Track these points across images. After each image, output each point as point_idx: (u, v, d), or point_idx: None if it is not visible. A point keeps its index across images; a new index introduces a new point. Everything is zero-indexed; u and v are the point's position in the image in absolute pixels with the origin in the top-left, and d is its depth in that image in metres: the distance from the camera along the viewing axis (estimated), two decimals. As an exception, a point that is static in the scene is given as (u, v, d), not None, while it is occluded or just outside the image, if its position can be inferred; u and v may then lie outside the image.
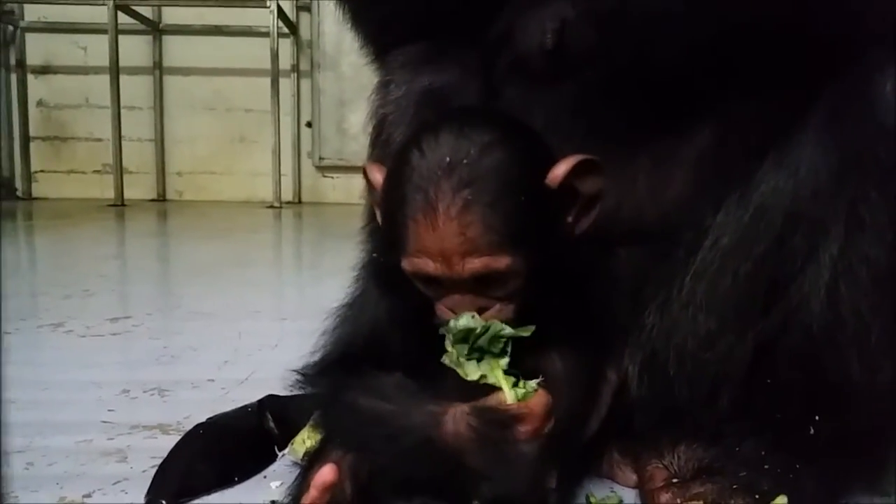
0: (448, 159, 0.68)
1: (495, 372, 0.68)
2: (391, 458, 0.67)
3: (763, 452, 0.74)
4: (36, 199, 5.19)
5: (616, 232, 0.84)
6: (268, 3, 4.58)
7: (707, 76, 0.77)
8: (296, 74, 5.21)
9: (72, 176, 5.27)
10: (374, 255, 0.80)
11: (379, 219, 0.77)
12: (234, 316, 1.73)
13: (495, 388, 0.67)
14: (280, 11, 4.68)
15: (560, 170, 0.71)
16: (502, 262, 0.68)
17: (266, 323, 1.69)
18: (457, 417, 0.66)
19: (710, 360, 0.77)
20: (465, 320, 0.69)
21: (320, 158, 5.12)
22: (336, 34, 4.77)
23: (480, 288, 0.70)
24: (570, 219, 0.74)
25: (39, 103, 5.26)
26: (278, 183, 4.76)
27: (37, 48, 5.20)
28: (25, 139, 5.22)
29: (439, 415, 0.66)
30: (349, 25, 0.97)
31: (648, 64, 0.78)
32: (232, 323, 1.65)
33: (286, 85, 5.06)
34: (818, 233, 0.72)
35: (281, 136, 4.80)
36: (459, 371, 0.68)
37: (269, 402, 0.95)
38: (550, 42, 0.82)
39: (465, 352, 0.68)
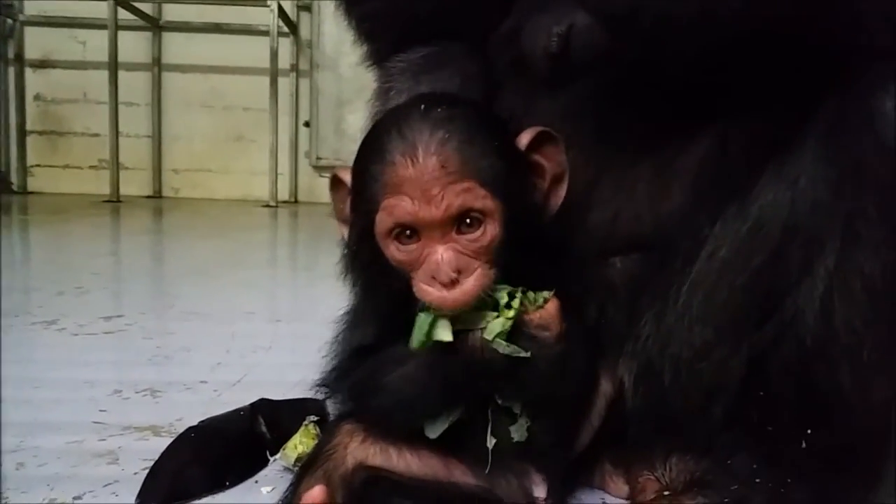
0: (423, 107, 0.71)
1: (515, 298, 0.69)
2: (416, 399, 0.71)
3: (755, 466, 0.74)
4: (31, 193, 5.17)
5: (613, 241, 0.84)
6: (268, 2, 4.59)
7: (710, 85, 0.77)
8: (295, 74, 5.21)
9: (68, 171, 5.25)
10: (349, 249, 0.79)
11: (347, 213, 0.77)
12: (228, 317, 1.73)
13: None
14: (281, 10, 4.68)
15: (525, 137, 0.74)
16: (480, 195, 0.68)
17: (260, 324, 1.69)
18: (476, 341, 0.68)
19: (704, 370, 0.77)
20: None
21: (317, 158, 5.12)
22: (336, 34, 4.77)
23: (458, 236, 0.68)
24: (542, 191, 0.76)
25: (37, 97, 5.25)
26: (275, 182, 4.76)
27: (36, 42, 5.19)
28: (22, 133, 5.21)
29: (450, 346, 0.68)
30: (345, 20, 0.96)
31: (653, 71, 0.77)
32: (226, 324, 1.65)
33: (285, 84, 5.05)
34: (814, 246, 0.71)
35: (279, 136, 4.80)
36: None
37: (262, 405, 0.95)
38: (556, 46, 0.81)
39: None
